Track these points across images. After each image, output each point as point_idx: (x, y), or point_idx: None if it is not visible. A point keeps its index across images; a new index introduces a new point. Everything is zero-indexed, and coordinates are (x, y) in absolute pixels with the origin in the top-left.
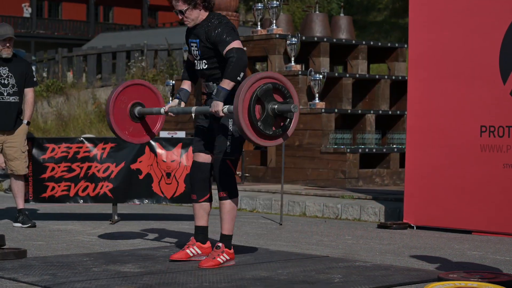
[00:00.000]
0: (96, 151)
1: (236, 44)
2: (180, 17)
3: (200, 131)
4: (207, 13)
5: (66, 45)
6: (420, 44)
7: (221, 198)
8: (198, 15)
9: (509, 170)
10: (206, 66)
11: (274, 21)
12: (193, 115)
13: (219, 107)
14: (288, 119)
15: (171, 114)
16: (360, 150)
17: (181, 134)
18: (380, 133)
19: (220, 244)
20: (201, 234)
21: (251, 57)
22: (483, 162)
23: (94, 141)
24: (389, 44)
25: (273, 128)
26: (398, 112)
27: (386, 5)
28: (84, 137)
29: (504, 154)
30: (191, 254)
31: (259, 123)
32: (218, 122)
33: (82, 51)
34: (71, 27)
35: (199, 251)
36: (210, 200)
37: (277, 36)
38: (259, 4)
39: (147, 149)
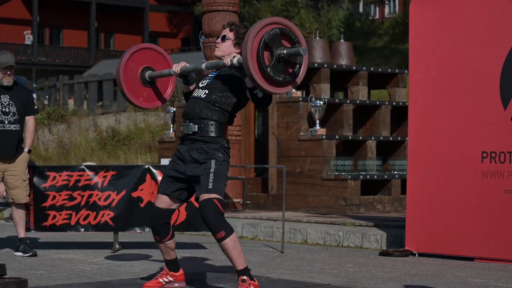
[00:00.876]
0: (97, 179)
1: None
2: (217, 41)
3: (171, 173)
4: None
5: (67, 72)
6: (420, 70)
7: (219, 240)
8: (230, 53)
9: (510, 196)
10: (205, 96)
11: None
12: (203, 67)
13: (228, 58)
14: (298, 65)
15: (183, 72)
16: (361, 177)
17: None
18: (381, 159)
19: (245, 277)
20: (171, 264)
21: None
22: (485, 188)
23: (95, 169)
24: (389, 70)
25: (283, 75)
26: (399, 138)
27: (386, 30)
28: (85, 165)
29: (506, 180)
30: (164, 283)
31: (268, 69)
32: (197, 163)
33: (83, 78)
34: (72, 54)
35: (171, 279)
36: (173, 236)
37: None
38: None
39: (148, 177)
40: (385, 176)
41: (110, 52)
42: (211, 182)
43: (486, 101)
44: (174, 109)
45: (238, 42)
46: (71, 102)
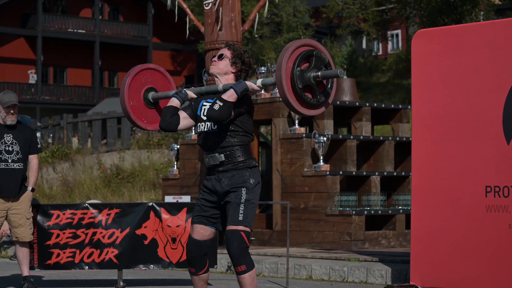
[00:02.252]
0: (101, 217)
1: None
2: (213, 59)
3: (203, 203)
4: (233, 81)
5: (71, 111)
6: (423, 105)
7: (240, 273)
8: (226, 72)
9: None
10: (216, 127)
11: None
12: (219, 88)
13: (251, 84)
14: (329, 86)
15: (192, 95)
16: (365, 212)
17: (186, 198)
18: (386, 194)
19: None
20: None
21: (256, 120)
22: (489, 222)
23: (99, 207)
24: (392, 106)
25: (317, 97)
26: (403, 173)
27: (390, 66)
28: (88, 203)
29: (510, 214)
30: None
31: (302, 90)
32: (229, 192)
33: (87, 116)
34: (76, 92)
35: None
36: (208, 269)
37: (281, 99)
38: (263, 68)
39: (152, 214)
40: (390, 211)
41: (114, 90)
42: (241, 213)
43: (489, 136)
44: (178, 146)
45: (235, 61)
46: (75, 140)
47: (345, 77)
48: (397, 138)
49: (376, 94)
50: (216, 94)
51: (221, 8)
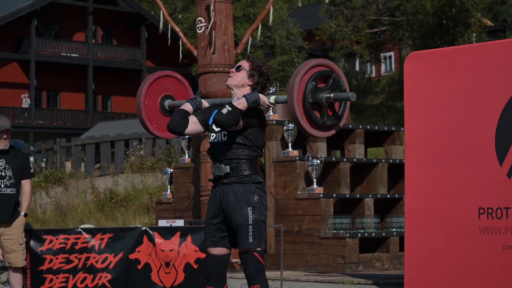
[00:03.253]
0: (94, 242)
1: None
2: (231, 70)
3: (210, 224)
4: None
5: (64, 135)
6: (416, 127)
7: None
8: (242, 84)
9: (508, 251)
10: (226, 138)
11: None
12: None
13: (264, 97)
14: (341, 109)
15: (206, 104)
16: (359, 235)
17: (180, 222)
18: (379, 217)
19: None
20: None
21: None
22: (483, 244)
23: (92, 232)
24: (385, 128)
25: (326, 119)
26: (397, 195)
27: (383, 88)
28: (81, 228)
29: (503, 236)
30: None
31: (314, 111)
32: (235, 212)
33: (80, 140)
34: (70, 116)
35: None
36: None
37: (274, 122)
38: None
39: (145, 238)
40: (383, 234)
41: (107, 114)
42: (250, 235)
43: (482, 157)
44: (171, 170)
45: (252, 74)
46: (68, 165)
47: None
48: (391, 160)
49: (369, 116)
50: None
51: (214, 32)
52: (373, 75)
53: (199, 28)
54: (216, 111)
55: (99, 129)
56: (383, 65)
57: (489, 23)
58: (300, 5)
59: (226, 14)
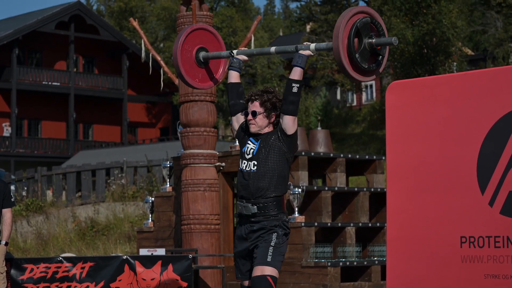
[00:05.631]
0: (75, 271)
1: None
2: (249, 118)
3: (240, 257)
4: (271, 130)
5: (45, 163)
6: (398, 156)
7: None
8: (266, 125)
9: (490, 280)
10: (255, 168)
11: None
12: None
13: (308, 53)
14: (381, 56)
15: (244, 58)
16: (341, 264)
17: (161, 251)
18: (361, 245)
19: None
20: None
21: (230, 172)
22: (465, 273)
23: (73, 260)
24: (367, 157)
25: (368, 64)
26: (378, 224)
27: (364, 117)
28: (62, 257)
29: (485, 265)
30: None
31: (357, 55)
32: (259, 236)
33: (61, 169)
34: (51, 145)
35: None
36: None
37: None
38: None
39: (126, 267)
40: (365, 263)
41: (88, 142)
42: (270, 255)
43: (463, 186)
44: (153, 199)
45: (268, 114)
46: (49, 193)
47: (319, 128)
48: (372, 189)
49: (350, 145)
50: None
51: None
52: (354, 103)
53: None
54: (250, 138)
55: (80, 158)
56: (364, 94)
57: (469, 52)
58: (281, 34)
59: None
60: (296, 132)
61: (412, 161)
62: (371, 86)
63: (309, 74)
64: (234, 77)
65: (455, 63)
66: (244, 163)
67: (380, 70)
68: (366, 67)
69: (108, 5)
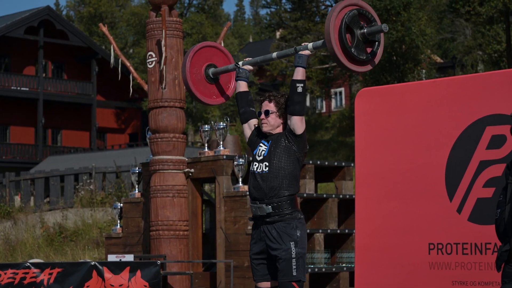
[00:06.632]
0: (42, 276)
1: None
2: (261, 117)
3: (254, 259)
4: (282, 131)
5: (14, 169)
6: (367, 163)
7: None
8: (278, 125)
9: (458, 287)
10: (267, 169)
11: (221, 142)
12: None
13: (307, 53)
14: (376, 44)
15: (250, 68)
16: (309, 270)
17: (129, 257)
18: (329, 252)
19: None
20: None
21: (199, 178)
22: (433, 279)
23: (41, 266)
24: (335, 163)
25: (365, 54)
26: (347, 230)
27: (333, 124)
28: (30, 262)
29: (453, 271)
30: None
31: (352, 49)
32: (276, 244)
33: (29, 174)
34: (19, 150)
35: None
36: None
37: (224, 157)
38: (206, 126)
39: (94, 273)
40: (333, 269)
41: (57, 148)
42: (294, 268)
43: (432, 193)
44: (121, 204)
45: (281, 113)
46: (17, 199)
47: None
48: (341, 196)
49: (320, 152)
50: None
51: (164, 67)
52: (324, 110)
53: (150, 63)
54: (262, 141)
55: (49, 163)
56: (333, 101)
57: (438, 59)
58: (251, 40)
59: (177, 49)
60: (305, 132)
61: (381, 168)
62: (340, 93)
63: (278, 80)
64: (242, 86)
65: (424, 71)
66: (256, 165)
67: (376, 59)
68: (364, 58)
69: (77, 11)
